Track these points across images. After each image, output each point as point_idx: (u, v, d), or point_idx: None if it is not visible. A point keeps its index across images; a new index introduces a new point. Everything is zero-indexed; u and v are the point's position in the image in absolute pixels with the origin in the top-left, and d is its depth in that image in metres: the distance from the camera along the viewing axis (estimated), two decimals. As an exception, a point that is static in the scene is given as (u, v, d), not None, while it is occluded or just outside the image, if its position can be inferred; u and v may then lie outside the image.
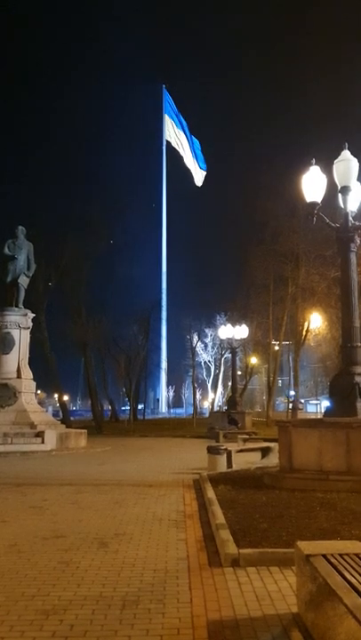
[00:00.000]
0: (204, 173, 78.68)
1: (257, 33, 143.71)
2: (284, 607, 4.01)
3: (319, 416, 20.70)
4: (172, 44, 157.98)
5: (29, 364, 21.71)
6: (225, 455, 11.97)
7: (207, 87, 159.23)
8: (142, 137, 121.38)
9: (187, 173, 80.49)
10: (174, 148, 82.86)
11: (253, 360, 49.29)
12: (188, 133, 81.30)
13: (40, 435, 18.38)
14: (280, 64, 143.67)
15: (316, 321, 37.81)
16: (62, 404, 40.30)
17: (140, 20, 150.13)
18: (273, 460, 11.79)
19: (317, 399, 60.00)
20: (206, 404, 65.48)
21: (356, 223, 9.75)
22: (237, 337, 28.90)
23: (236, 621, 3.79)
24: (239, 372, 44.81)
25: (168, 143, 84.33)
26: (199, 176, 79.19)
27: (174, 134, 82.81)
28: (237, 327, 28.90)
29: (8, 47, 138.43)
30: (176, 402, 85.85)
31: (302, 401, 56.46)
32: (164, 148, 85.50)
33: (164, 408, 79.38)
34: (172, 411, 77.73)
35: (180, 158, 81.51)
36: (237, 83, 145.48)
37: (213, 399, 57.28)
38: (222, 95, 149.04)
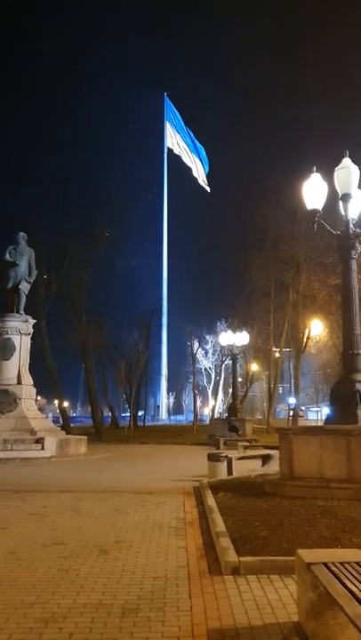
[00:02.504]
0: (205, 176, 79.23)
1: (258, 40, 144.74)
2: (284, 616, 3.98)
3: (320, 423, 20.65)
4: (173, 52, 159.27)
5: (30, 370, 21.68)
6: (225, 462, 11.93)
7: (208, 95, 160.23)
8: (144, 144, 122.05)
9: (188, 180, 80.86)
10: (176, 155, 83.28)
11: (254, 367, 49.20)
12: (191, 140, 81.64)
13: (40, 441, 18.34)
14: (281, 71, 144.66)
15: (316, 328, 37.77)
16: (62, 411, 40.20)
17: (142, 28, 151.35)
18: (274, 467, 11.76)
19: (318, 406, 59.90)
20: (207, 411, 65.32)
21: (357, 230, 9.76)
22: (238, 344, 28.85)
23: (237, 630, 3.77)
24: (240, 379, 44.73)
25: (170, 150, 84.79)
26: (205, 181, 79.68)
27: (177, 141, 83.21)
28: (238, 334, 28.87)
29: (8, 54, 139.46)
30: (176, 408, 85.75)
31: (303, 408, 56.36)
32: (165, 154, 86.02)
33: (164, 415, 79.35)
34: (172, 417, 77.67)
35: (182, 165, 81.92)
36: (239, 90, 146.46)
37: (214, 406, 57.15)
38: (223, 102, 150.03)
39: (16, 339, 21.10)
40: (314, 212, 9.86)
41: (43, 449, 18.04)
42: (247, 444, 18.83)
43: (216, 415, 49.58)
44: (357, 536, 5.81)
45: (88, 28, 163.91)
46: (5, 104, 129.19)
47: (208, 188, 79.53)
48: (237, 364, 34.22)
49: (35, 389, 21.79)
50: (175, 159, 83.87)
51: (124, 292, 62.71)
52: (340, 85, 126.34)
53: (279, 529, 6.25)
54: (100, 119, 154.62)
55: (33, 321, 22.20)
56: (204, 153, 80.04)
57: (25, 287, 22.20)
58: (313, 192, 9.94)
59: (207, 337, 52.41)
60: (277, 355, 41.08)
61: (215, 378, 57.95)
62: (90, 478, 12.67)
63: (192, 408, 54.74)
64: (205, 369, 59.19)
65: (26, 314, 22.07)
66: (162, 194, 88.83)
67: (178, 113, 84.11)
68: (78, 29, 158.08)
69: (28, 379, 21.17)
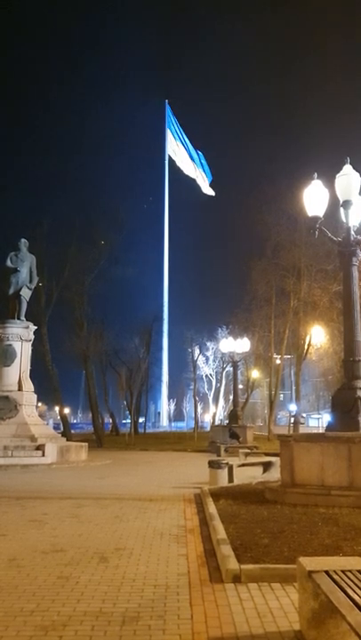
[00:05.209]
0: (208, 183, 79.63)
1: (258, 47, 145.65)
2: (285, 624, 3.96)
3: (321, 430, 20.59)
4: (175, 60, 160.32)
5: (30, 376, 21.69)
6: (226, 469, 11.89)
7: (209, 102, 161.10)
8: (145, 152, 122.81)
9: (188, 187, 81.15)
10: (176, 163, 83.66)
11: (255, 374, 49.10)
12: (190, 147, 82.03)
13: (41, 448, 18.32)
14: (282, 79, 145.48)
15: (317, 335, 37.70)
16: (63, 417, 40.12)
17: (143, 35, 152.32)
18: (274, 474, 11.71)
19: (319, 413, 59.76)
20: (207, 418, 65.12)
21: (359, 237, 9.78)
22: (239, 350, 28.84)
23: (238, 638, 3.74)
24: (241, 386, 44.62)
25: (170, 157, 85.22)
26: (208, 186, 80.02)
27: (177, 149, 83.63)
28: (239, 340, 28.86)
29: (10, 62, 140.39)
30: (177, 415, 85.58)
31: (304, 415, 56.23)
32: (166, 162, 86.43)
33: (165, 421, 79.16)
34: (173, 424, 77.48)
35: (183, 173, 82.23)
36: (240, 98, 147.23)
37: (215, 413, 56.99)
38: (224, 110, 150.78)
39: (17, 345, 21.12)
40: (315, 218, 9.88)
41: (43, 455, 18.01)
42: (248, 451, 18.75)
43: (217, 422, 49.43)
44: (359, 544, 5.78)
45: (89, 35, 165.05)
46: (7, 112, 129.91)
47: (213, 193, 79.86)
48: (238, 371, 34.15)
49: (35, 396, 21.77)
50: (176, 166, 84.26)
51: (125, 298, 62.88)
52: (341, 92, 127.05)
53: (280, 536, 6.22)
54: (101, 127, 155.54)
55: (34, 327, 22.22)
56: (204, 159, 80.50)
57: (26, 293, 22.25)
58: (314, 199, 9.96)
59: (208, 344, 52.44)
60: (278, 361, 41.01)
61: (216, 385, 57.87)
62: (90, 485, 12.63)
63: (193, 415, 54.66)
64: (206, 376, 59.14)
65: (27, 320, 22.10)
66: (163, 201, 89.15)
67: (177, 122, 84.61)
68: (79, 36, 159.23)
69: (28, 385, 21.17)
